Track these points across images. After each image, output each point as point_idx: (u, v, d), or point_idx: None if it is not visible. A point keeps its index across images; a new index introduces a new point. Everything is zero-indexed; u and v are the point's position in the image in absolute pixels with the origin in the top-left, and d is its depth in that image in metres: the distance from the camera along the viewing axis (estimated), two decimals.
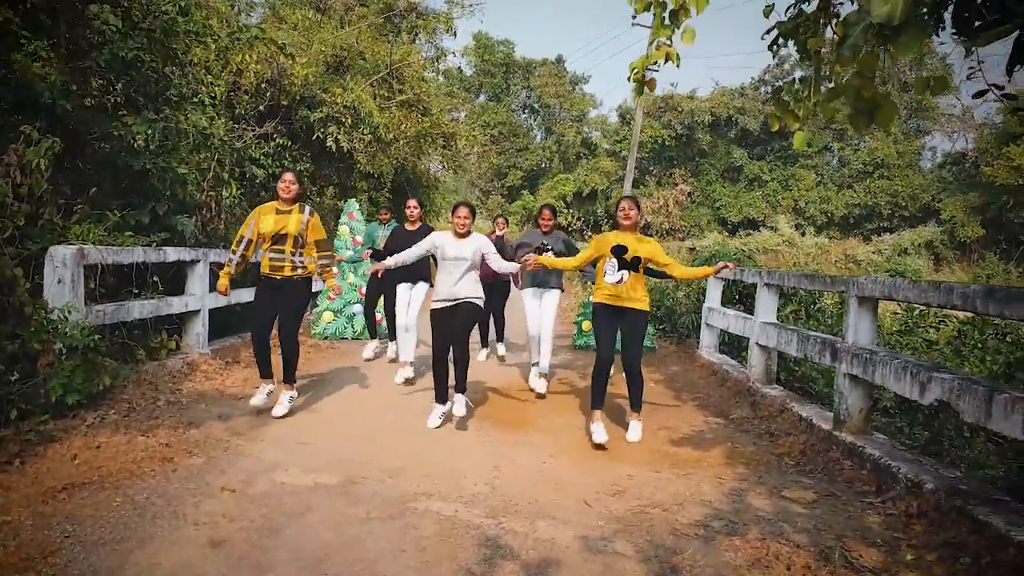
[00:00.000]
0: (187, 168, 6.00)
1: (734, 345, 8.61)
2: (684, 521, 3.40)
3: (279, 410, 5.08)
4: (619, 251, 4.85)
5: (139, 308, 5.61)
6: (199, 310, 6.56)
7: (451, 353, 5.03)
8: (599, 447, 4.63)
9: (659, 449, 4.72)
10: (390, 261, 5.18)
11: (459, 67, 18.16)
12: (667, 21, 3.19)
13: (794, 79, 3.61)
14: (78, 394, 4.42)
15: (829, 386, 6.85)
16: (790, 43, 3.59)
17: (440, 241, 5.08)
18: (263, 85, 10.12)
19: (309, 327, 8.93)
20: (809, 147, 31.41)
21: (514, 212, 35.22)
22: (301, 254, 5.13)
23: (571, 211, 35.40)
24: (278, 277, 5.05)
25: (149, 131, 5.76)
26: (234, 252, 5.06)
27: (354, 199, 9.86)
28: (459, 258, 5.00)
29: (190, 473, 3.75)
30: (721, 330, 8.19)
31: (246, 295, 7.62)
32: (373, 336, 7.77)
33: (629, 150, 35.21)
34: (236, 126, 10.15)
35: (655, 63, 3.26)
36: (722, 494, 3.81)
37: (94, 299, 5.27)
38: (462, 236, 5.08)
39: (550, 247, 6.27)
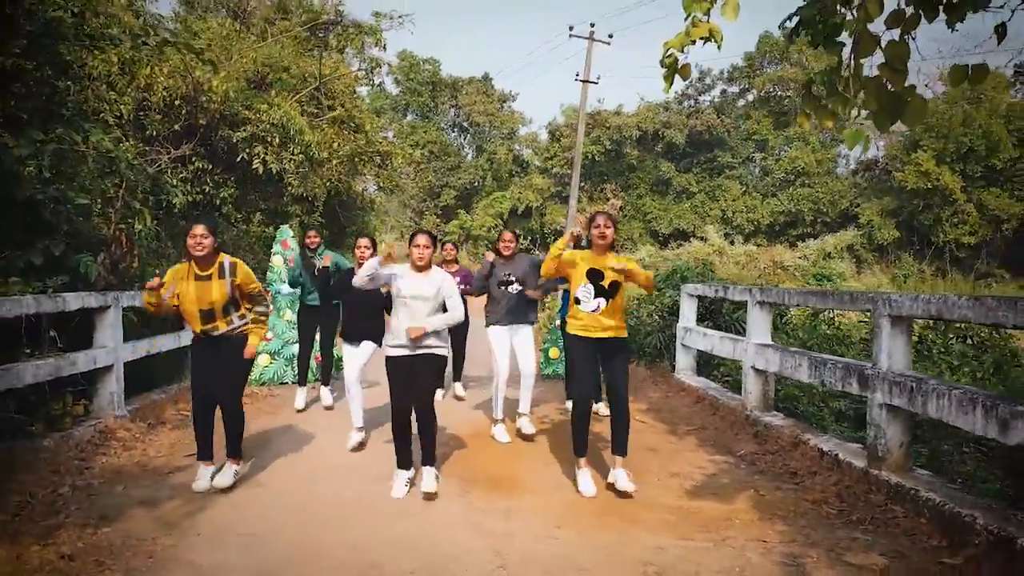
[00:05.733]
0: (87, 197, 4.97)
1: (705, 365, 8.16)
2: None
3: (222, 481, 4.24)
4: (595, 277, 4.25)
5: (33, 371, 4.56)
6: (112, 365, 5.50)
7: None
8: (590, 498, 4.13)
9: (677, 505, 4.06)
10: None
11: (379, 83, 17.57)
12: None
13: (827, 68, 3.09)
14: None
15: (814, 405, 6.44)
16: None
17: (398, 275, 4.30)
18: (177, 102, 9.02)
19: None
20: (863, 146, 31.89)
21: (451, 232, 34.54)
22: (237, 309, 4.28)
23: (514, 229, 34.80)
24: (214, 335, 4.21)
25: (35, 154, 4.76)
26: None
27: (287, 225, 8.77)
28: (419, 296, 4.25)
29: None
30: (699, 351, 7.70)
31: (168, 343, 6.61)
32: (303, 383, 6.79)
33: (563, 166, 35.34)
34: (148, 148, 9.01)
35: (693, 42, 2.67)
36: (775, 564, 3.19)
37: None
38: (420, 270, 4.33)
39: (514, 278, 5.57)
